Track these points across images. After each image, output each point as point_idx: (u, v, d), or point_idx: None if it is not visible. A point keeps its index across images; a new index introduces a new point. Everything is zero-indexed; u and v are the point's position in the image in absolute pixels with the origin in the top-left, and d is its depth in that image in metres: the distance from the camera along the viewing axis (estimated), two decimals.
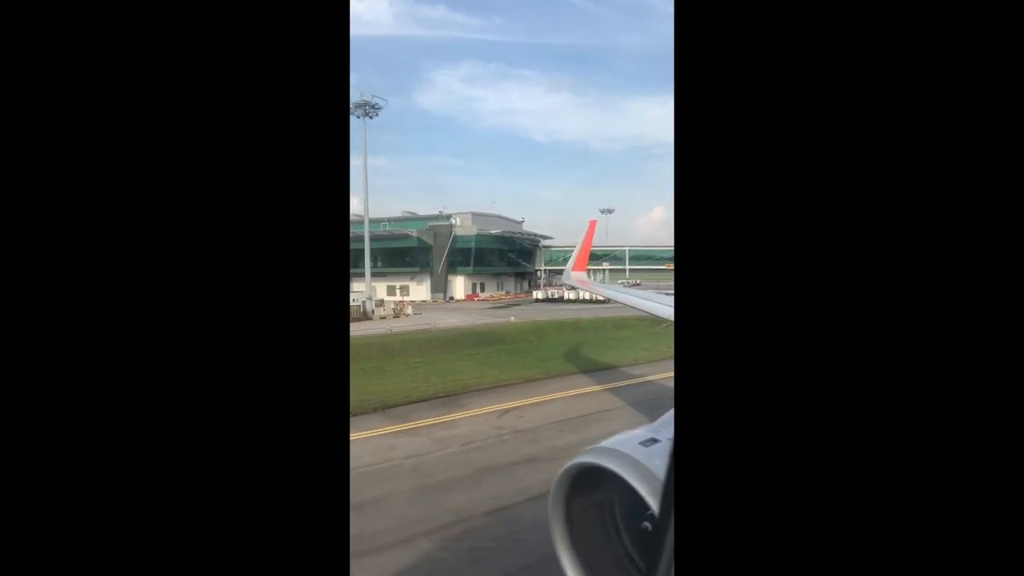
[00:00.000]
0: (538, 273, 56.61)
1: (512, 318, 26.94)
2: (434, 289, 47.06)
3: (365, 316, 31.05)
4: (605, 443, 1.49)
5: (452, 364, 14.87)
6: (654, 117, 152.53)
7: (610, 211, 74.30)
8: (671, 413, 1.55)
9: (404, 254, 48.30)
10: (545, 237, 58.22)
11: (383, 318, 31.72)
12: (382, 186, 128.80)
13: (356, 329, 25.78)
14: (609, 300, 11.58)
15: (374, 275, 48.72)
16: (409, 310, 34.37)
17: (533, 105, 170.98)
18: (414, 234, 47.83)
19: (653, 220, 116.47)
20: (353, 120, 42.39)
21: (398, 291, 46.04)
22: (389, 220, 52.86)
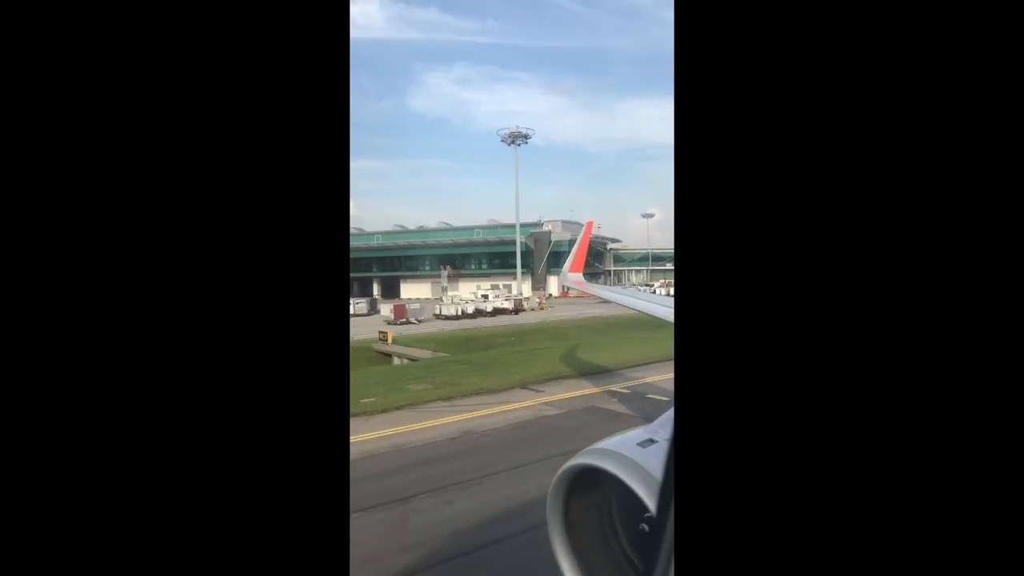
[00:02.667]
0: (609, 273, 64.68)
1: None
2: (534, 287, 54.91)
3: (521, 309, 38.96)
4: (602, 444, 1.50)
5: None
6: (647, 119, 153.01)
7: (651, 215, 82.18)
8: (668, 414, 1.56)
9: (510, 256, 56.16)
10: (614, 240, 66.34)
11: (531, 310, 39.62)
12: (377, 189, 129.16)
13: (539, 316, 33.63)
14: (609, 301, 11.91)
15: (479, 276, 56.73)
16: (546, 305, 42.22)
17: (526, 107, 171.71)
18: (523, 240, 55.71)
19: (647, 221, 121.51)
20: (504, 147, 50.88)
21: (502, 288, 53.84)
22: (481, 228, 60.97)
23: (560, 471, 1.54)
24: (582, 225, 59.88)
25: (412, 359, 19.87)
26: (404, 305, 34.48)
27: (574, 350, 19.76)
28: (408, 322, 31.64)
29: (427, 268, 60.77)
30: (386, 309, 35.91)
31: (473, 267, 59.03)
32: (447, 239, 61.10)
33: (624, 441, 1.49)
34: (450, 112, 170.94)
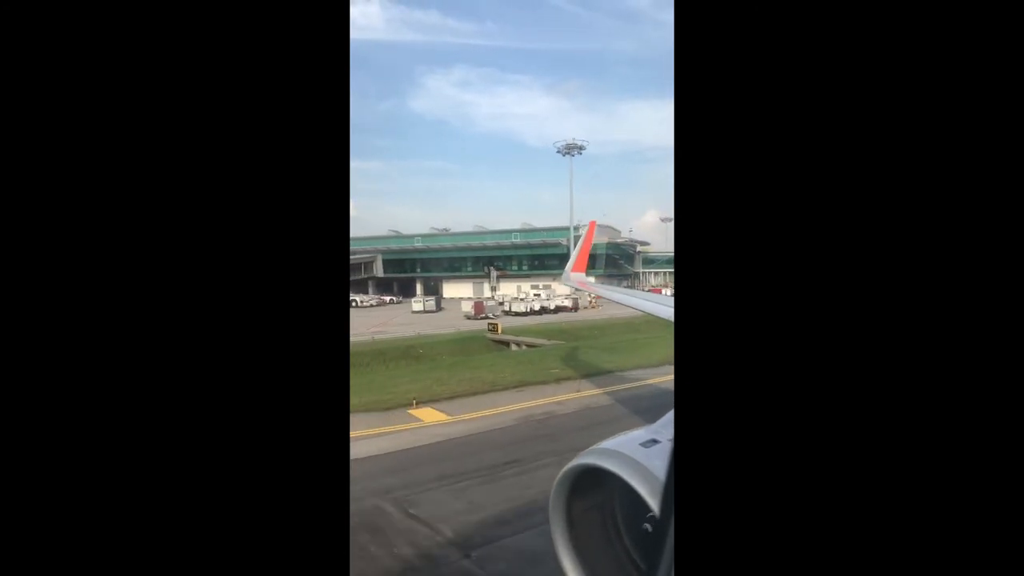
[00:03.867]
0: (638, 275, 67.79)
1: None
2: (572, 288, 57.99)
3: (578, 307, 42.03)
4: (605, 444, 1.52)
5: None
6: (646, 121, 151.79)
7: (669, 219, 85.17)
8: (671, 414, 1.56)
9: (548, 259, 59.20)
10: (643, 243, 69.47)
11: (585, 308, 42.66)
12: (377, 190, 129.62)
13: (597, 314, 36.60)
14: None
15: (519, 277, 59.75)
16: (597, 304, 45.26)
17: (526, 109, 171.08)
18: (565, 242, 58.84)
19: (646, 223, 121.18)
20: (560, 158, 54.21)
21: (542, 288, 56.84)
22: (518, 232, 64.12)
23: (563, 471, 1.57)
24: (612, 228, 63.22)
25: (531, 346, 22.85)
26: (483, 302, 37.65)
27: (667, 339, 22.47)
28: (486, 317, 34.64)
29: (468, 269, 63.84)
30: (453, 307, 38.79)
31: (515, 268, 62.13)
32: (491, 241, 64.21)
33: (627, 441, 1.51)
34: (450, 114, 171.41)
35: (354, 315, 41.27)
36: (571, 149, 54.20)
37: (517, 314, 36.68)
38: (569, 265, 12.57)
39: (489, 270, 58.24)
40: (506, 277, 60.34)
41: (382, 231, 70.48)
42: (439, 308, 44.01)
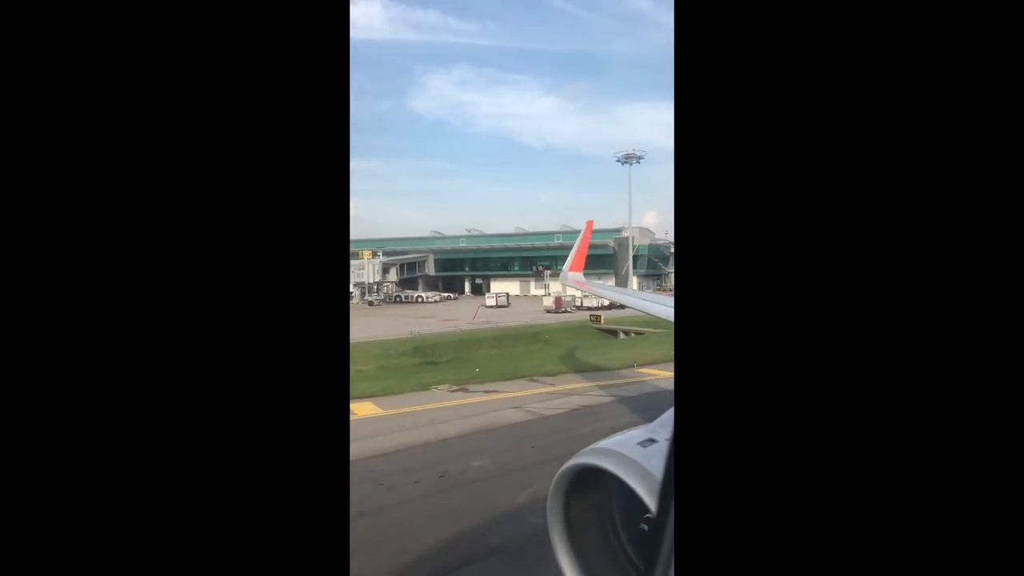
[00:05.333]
0: (668, 275, 72.00)
1: None
2: (617, 285, 62.09)
3: None
4: (603, 444, 1.52)
5: None
6: (645, 122, 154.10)
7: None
8: (668, 414, 1.57)
9: (590, 259, 63.31)
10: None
11: None
12: (376, 190, 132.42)
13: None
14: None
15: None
16: None
17: (526, 110, 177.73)
18: (611, 244, 63.00)
19: (647, 224, 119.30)
20: (618, 167, 58.35)
21: None
22: (560, 233, 68.32)
23: (560, 470, 1.57)
24: (648, 230, 67.82)
25: (638, 333, 26.89)
26: (562, 298, 41.75)
27: None
28: (565, 311, 38.67)
29: (516, 268, 68.02)
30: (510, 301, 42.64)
31: (559, 268, 66.33)
32: (540, 243, 68.36)
33: (625, 441, 1.52)
34: (450, 114, 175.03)
35: (436, 308, 45.39)
36: (630, 158, 58.59)
37: (588, 309, 40.69)
38: (567, 265, 12.69)
39: (540, 269, 62.26)
40: (553, 276, 64.50)
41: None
42: (508, 304, 48.17)
